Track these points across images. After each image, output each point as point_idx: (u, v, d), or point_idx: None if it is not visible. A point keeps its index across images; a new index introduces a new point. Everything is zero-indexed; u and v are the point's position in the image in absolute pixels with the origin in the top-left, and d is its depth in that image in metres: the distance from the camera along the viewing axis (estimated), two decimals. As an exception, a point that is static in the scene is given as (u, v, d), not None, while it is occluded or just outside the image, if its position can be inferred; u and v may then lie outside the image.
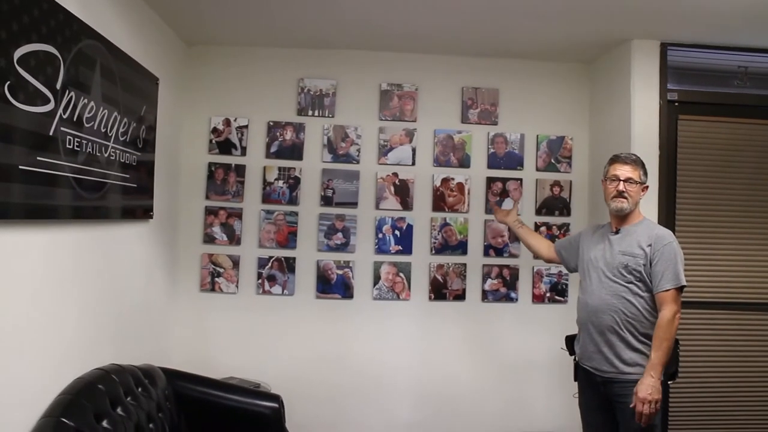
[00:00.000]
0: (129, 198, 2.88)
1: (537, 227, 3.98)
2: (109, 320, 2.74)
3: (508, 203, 3.95)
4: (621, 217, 2.74)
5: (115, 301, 2.82)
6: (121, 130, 2.71)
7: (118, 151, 2.70)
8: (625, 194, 2.68)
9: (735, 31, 3.32)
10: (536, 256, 3.32)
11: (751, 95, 3.59)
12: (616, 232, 2.75)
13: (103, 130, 2.51)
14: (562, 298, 4.01)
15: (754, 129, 3.57)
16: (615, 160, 2.77)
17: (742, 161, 3.55)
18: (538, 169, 4.03)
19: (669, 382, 2.78)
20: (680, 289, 2.57)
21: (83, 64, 2.30)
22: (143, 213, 3.14)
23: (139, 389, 2.58)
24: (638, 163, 2.74)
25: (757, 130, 3.57)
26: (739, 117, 3.55)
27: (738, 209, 3.57)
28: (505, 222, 3.40)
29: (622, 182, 2.69)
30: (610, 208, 2.75)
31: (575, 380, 2.91)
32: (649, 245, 2.61)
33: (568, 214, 4.04)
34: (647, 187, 2.78)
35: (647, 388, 2.46)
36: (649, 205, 3.39)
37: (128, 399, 2.44)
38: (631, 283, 2.62)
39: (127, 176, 2.83)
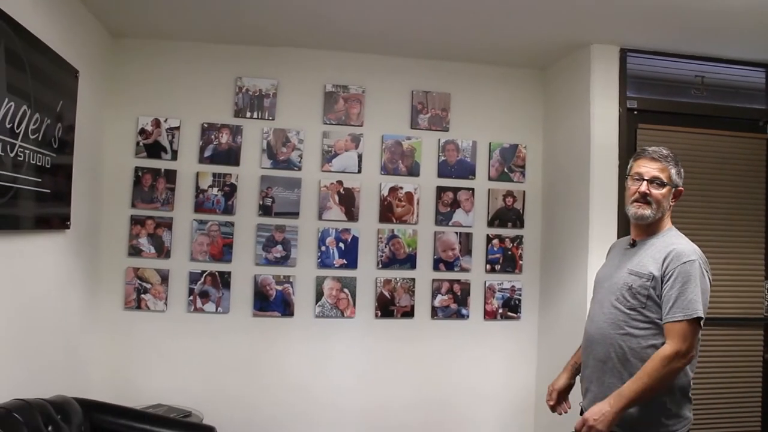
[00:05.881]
0: (42, 205, 2.60)
1: (489, 240, 3.80)
2: (15, 348, 2.42)
3: (459, 214, 3.76)
4: (642, 227, 2.25)
5: (23, 325, 2.50)
6: (32, 127, 2.42)
7: (28, 152, 2.40)
8: (649, 198, 2.18)
9: (692, 40, 3.29)
10: None
11: (708, 105, 3.54)
12: (632, 245, 2.28)
13: (8, 126, 2.21)
14: (515, 315, 3.84)
15: (710, 139, 3.51)
16: (641, 155, 2.27)
17: (700, 172, 3.45)
18: (490, 179, 3.86)
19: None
20: (696, 323, 2.00)
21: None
22: (59, 222, 2.86)
23: (50, 428, 2.26)
24: (670, 161, 2.21)
25: (714, 141, 3.51)
26: (697, 127, 3.48)
27: (696, 220, 3.44)
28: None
29: (645, 182, 2.18)
30: (629, 214, 2.26)
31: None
32: (662, 262, 2.09)
33: (522, 226, 3.88)
34: (681, 191, 2.24)
35: (596, 414, 1.99)
36: (608, 216, 3.26)
37: (37, 441, 2.12)
38: (634, 309, 2.11)
39: (40, 180, 2.55)
